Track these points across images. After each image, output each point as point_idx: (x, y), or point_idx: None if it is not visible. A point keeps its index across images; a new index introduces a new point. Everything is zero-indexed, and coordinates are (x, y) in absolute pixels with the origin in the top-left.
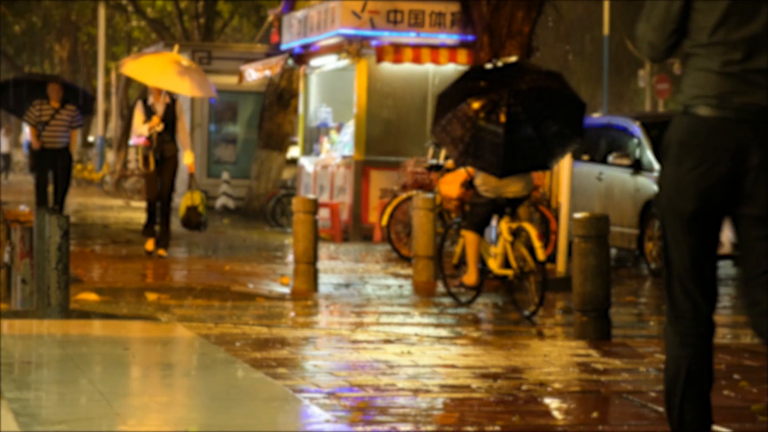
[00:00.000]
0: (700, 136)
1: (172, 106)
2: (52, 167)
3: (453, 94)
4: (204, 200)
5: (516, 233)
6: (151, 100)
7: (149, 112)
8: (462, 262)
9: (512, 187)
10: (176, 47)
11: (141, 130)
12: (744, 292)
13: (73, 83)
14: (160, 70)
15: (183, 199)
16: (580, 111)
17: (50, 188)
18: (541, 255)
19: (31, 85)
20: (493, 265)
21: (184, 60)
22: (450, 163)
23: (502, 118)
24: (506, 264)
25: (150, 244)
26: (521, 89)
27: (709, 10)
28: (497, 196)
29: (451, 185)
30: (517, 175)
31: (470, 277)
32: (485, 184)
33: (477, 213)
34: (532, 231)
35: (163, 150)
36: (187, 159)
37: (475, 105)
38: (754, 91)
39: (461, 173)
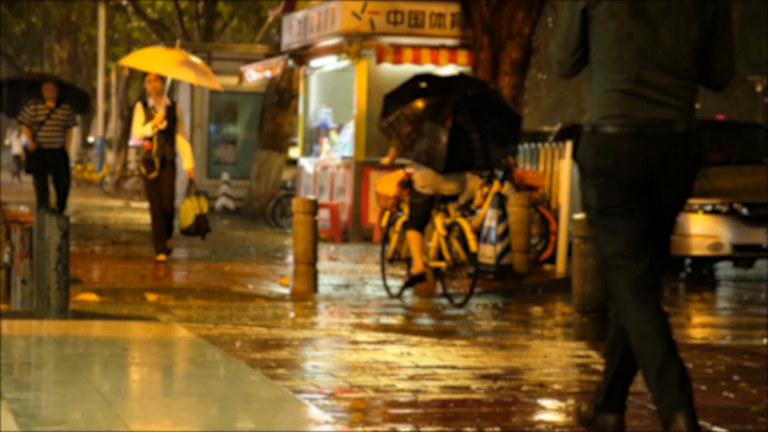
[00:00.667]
0: (611, 150)
1: (173, 108)
2: (50, 168)
3: (402, 94)
4: (208, 206)
5: (450, 228)
6: (151, 102)
7: (149, 115)
8: (395, 258)
9: (448, 185)
10: (178, 42)
11: (144, 130)
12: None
13: (68, 82)
14: (163, 60)
15: (187, 206)
16: (516, 123)
17: (50, 189)
18: (473, 247)
19: (25, 85)
20: (426, 258)
21: (188, 55)
22: (385, 159)
23: (448, 120)
24: (440, 257)
25: (163, 256)
26: (467, 94)
27: (603, 31)
28: (435, 193)
29: (387, 184)
30: (453, 175)
31: (417, 266)
32: (423, 180)
33: (418, 212)
34: (466, 225)
35: (164, 153)
36: (187, 164)
37: (424, 105)
38: (654, 107)
39: (399, 173)
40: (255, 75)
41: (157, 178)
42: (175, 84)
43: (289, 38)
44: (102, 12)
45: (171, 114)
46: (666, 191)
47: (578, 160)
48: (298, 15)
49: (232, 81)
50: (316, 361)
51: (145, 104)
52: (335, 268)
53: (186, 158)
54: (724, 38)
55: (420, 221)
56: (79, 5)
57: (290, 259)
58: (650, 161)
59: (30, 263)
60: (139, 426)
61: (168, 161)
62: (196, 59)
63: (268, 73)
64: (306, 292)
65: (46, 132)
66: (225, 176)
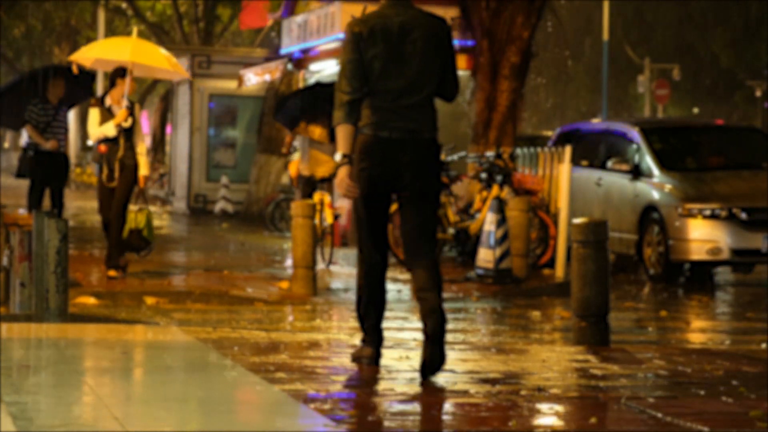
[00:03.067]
0: (372, 148)
1: (131, 108)
2: (51, 172)
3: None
4: (151, 222)
5: (322, 202)
6: (108, 101)
7: (108, 115)
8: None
9: (321, 169)
10: (135, 30)
11: (104, 130)
12: (405, 250)
13: (74, 68)
14: (117, 53)
15: (128, 219)
16: None
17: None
18: (329, 220)
19: (23, 90)
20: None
21: (146, 43)
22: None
23: (307, 103)
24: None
25: (114, 272)
26: (322, 86)
27: (371, 69)
28: (311, 174)
29: (291, 166)
30: (325, 161)
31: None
32: (304, 165)
33: (304, 186)
34: (326, 201)
35: (124, 157)
36: (142, 170)
37: (294, 92)
38: (403, 119)
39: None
40: (254, 78)
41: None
42: (174, 87)
43: (289, 41)
44: (101, 15)
45: (130, 114)
46: (417, 183)
47: (352, 158)
48: (298, 19)
49: (231, 84)
50: (315, 364)
51: (101, 105)
52: (334, 272)
53: (142, 164)
54: (452, 71)
55: (306, 192)
56: (78, 8)
57: (289, 262)
58: (404, 160)
59: (29, 266)
60: (138, 429)
61: (128, 166)
62: (153, 47)
63: (267, 77)
64: (305, 296)
65: (52, 135)
66: (224, 180)
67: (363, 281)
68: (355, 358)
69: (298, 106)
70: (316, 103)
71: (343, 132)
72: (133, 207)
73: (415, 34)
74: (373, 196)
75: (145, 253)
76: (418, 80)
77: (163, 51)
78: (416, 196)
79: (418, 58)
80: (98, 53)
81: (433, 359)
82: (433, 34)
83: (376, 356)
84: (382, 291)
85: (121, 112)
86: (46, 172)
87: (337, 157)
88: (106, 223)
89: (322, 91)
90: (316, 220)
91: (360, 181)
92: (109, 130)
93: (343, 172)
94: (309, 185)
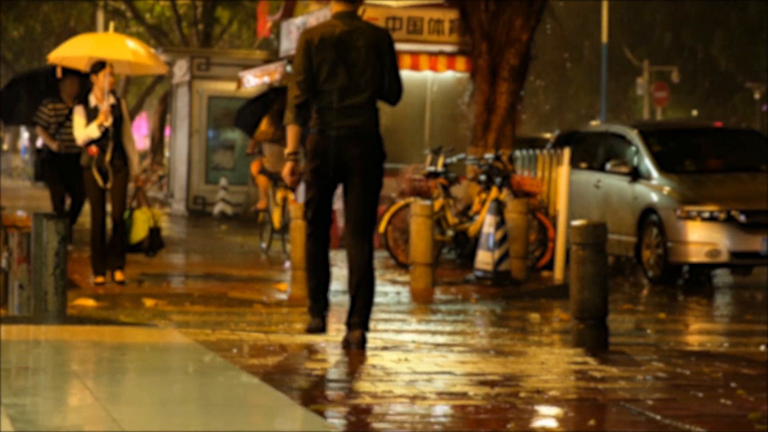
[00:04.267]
0: (322, 145)
1: (118, 107)
2: (67, 176)
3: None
4: (161, 217)
5: (285, 199)
6: (93, 101)
7: (93, 115)
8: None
9: (280, 168)
10: (112, 25)
11: (88, 131)
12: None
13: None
14: (93, 50)
15: (138, 218)
16: None
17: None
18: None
19: (25, 85)
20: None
21: (123, 38)
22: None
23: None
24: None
25: (101, 278)
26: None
27: (319, 73)
28: (276, 171)
29: (254, 165)
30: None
31: (262, 203)
32: (268, 162)
33: (268, 178)
34: (289, 198)
35: (114, 158)
36: (133, 169)
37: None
38: (347, 118)
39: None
40: (253, 80)
41: (103, 189)
42: (173, 88)
43: (288, 44)
44: (100, 17)
45: (117, 112)
46: (362, 172)
47: (305, 152)
48: (297, 21)
49: (230, 86)
50: (314, 366)
51: (86, 104)
52: (333, 274)
53: (133, 163)
54: (392, 76)
55: (269, 175)
56: (77, 10)
57: (288, 264)
58: (350, 153)
59: (28, 268)
60: (136, 431)
61: (117, 166)
62: (120, 40)
63: (266, 79)
64: (304, 298)
65: (66, 135)
66: (223, 182)
67: (308, 253)
68: (308, 330)
69: (253, 112)
70: (267, 107)
71: (291, 132)
72: (143, 210)
73: (359, 42)
74: (324, 187)
75: (153, 254)
76: (361, 82)
77: (131, 44)
78: (361, 184)
79: (361, 63)
80: (63, 52)
81: (357, 339)
82: (375, 43)
83: (323, 325)
84: (326, 262)
85: (102, 112)
86: (60, 174)
87: (285, 153)
88: (97, 229)
89: (274, 96)
90: (279, 216)
91: (313, 177)
92: (93, 131)
93: (288, 167)
94: (272, 180)
